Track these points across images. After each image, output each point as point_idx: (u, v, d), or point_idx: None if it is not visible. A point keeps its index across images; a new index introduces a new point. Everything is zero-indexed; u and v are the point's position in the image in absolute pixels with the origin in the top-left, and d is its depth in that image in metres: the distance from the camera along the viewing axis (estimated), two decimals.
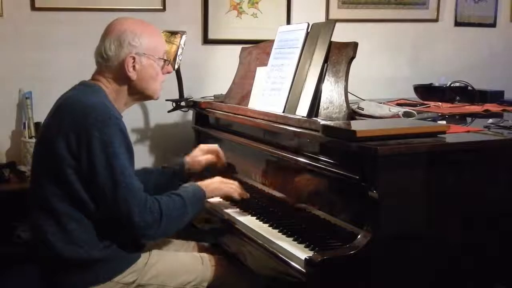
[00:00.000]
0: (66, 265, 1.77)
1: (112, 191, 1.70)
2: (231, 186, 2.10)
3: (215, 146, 2.34)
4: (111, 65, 1.87)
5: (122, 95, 1.91)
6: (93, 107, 1.74)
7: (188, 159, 2.27)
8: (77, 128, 1.72)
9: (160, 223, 1.76)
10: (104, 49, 1.86)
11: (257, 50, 2.56)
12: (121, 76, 1.88)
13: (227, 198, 2.17)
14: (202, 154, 2.30)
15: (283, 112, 2.13)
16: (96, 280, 1.79)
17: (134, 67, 1.86)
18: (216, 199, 2.19)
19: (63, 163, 1.72)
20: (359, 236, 1.59)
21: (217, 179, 2.11)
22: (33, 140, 2.84)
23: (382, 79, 3.62)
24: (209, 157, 2.30)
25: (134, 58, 1.86)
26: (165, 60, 1.95)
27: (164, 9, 3.16)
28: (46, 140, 1.79)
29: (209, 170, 2.33)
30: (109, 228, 1.77)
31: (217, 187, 2.07)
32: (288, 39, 2.27)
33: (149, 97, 1.98)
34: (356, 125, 1.76)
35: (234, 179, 2.39)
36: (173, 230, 1.92)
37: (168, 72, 2.00)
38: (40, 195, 1.79)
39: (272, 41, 2.37)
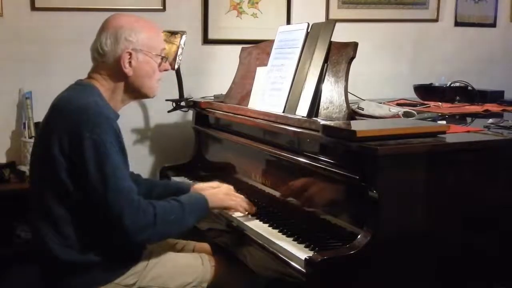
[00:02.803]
0: (64, 268, 1.76)
1: (103, 192, 1.66)
2: (236, 200, 2.03)
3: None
4: (107, 61, 1.83)
5: (118, 92, 1.87)
6: (85, 108, 1.71)
7: (197, 186, 2.15)
8: (70, 129, 1.69)
9: (154, 226, 1.72)
10: (100, 44, 1.83)
11: (257, 50, 2.56)
12: (117, 73, 1.84)
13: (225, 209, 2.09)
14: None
15: (283, 112, 2.13)
16: (96, 283, 1.78)
17: (130, 63, 1.82)
18: None
19: (58, 166, 1.69)
20: (359, 236, 1.59)
21: (224, 190, 2.07)
22: (33, 140, 2.83)
23: (382, 79, 3.62)
24: None
25: (130, 54, 1.82)
26: (162, 57, 1.90)
27: (164, 9, 3.16)
28: (42, 142, 1.78)
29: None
30: (105, 231, 1.73)
31: (221, 199, 2.01)
32: (288, 39, 2.27)
33: (146, 95, 1.93)
34: (356, 125, 1.75)
35: (234, 179, 2.40)
36: (170, 234, 1.90)
37: (166, 70, 1.95)
38: (38, 198, 1.78)
39: (272, 41, 2.37)
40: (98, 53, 1.85)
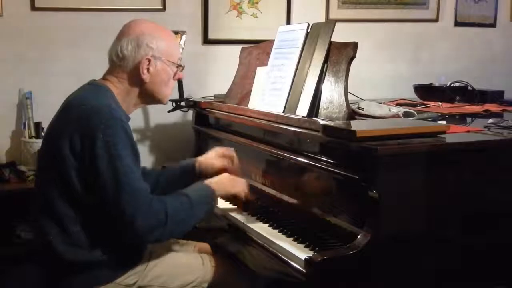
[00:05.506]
0: (67, 267, 1.76)
1: (115, 193, 1.67)
2: (240, 186, 2.03)
3: (231, 151, 2.18)
4: (125, 65, 1.85)
5: (132, 96, 1.90)
6: (98, 109, 1.72)
7: (201, 159, 2.17)
8: (81, 129, 1.70)
9: (166, 226, 1.72)
10: (120, 48, 1.85)
11: (257, 50, 2.56)
12: (134, 78, 1.87)
13: (228, 198, 2.15)
14: (217, 157, 2.17)
15: (283, 112, 2.13)
16: (97, 282, 1.78)
17: (148, 69, 1.85)
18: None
19: (66, 165, 1.70)
20: (359, 236, 1.59)
21: (226, 176, 2.05)
22: (33, 140, 2.84)
23: (382, 79, 3.62)
24: (224, 162, 2.15)
25: (149, 61, 1.85)
26: (178, 66, 1.94)
27: (164, 9, 3.16)
28: (51, 140, 1.78)
29: None
30: (110, 230, 1.74)
31: (227, 186, 2.00)
32: (288, 39, 2.27)
33: (159, 101, 1.96)
34: (356, 125, 1.76)
35: None
36: (180, 232, 1.88)
37: (179, 79, 1.99)
38: (43, 196, 1.78)
39: (272, 41, 2.37)
40: (117, 57, 1.86)
